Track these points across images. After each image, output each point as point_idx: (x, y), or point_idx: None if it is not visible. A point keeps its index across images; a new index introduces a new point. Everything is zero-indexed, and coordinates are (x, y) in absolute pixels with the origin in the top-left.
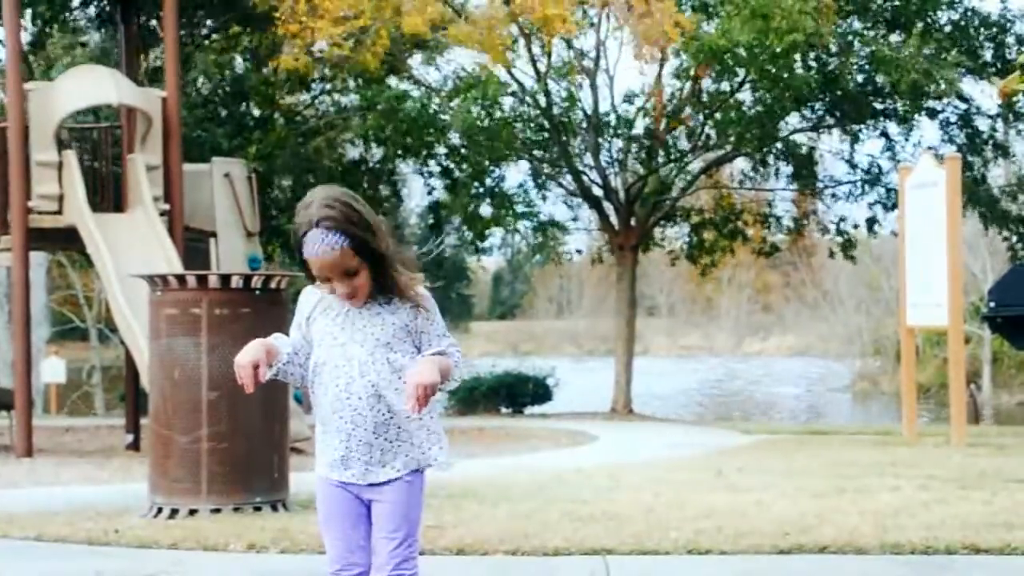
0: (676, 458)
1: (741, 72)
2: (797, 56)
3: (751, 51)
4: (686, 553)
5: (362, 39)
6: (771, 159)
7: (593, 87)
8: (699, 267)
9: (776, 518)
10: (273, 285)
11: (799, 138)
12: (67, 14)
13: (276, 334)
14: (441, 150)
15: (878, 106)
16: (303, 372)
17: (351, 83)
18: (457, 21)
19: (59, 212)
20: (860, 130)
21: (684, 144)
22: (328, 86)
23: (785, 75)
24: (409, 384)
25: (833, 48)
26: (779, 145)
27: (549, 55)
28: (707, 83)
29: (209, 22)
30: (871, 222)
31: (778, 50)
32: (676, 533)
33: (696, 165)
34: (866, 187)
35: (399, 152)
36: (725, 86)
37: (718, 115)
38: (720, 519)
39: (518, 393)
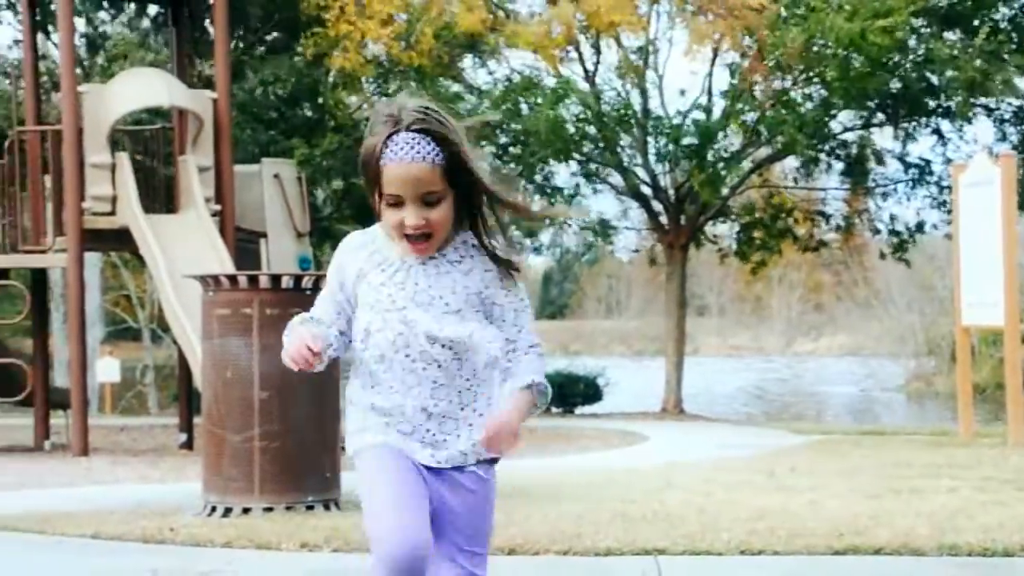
0: (727, 458)
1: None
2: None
3: (844, 50)
4: (739, 554)
5: (409, 39)
6: (823, 157)
7: (642, 86)
8: (750, 264)
9: (830, 519)
10: (323, 285)
11: (851, 136)
12: (121, 18)
13: (303, 316)
14: (490, 149)
15: (932, 104)
16: (347, 344)
17: (403, 84)
18: (507, 24)
19: (112, 213)
20: (913, 128)
21: (735, 143)
22: (379, 88)
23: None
24: (489, 431)
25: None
26: (831, 143)
27: (598, 53)
28: (759, 80)
29: (260, 25)
30: (922, 221)
31: (880, 48)
32: (728, 534)
33: (747, 163)
34: (918, 185)
35: None
36: (777, 84)
37: (770, 113)
38: (773, 520)
39: (568, 393)
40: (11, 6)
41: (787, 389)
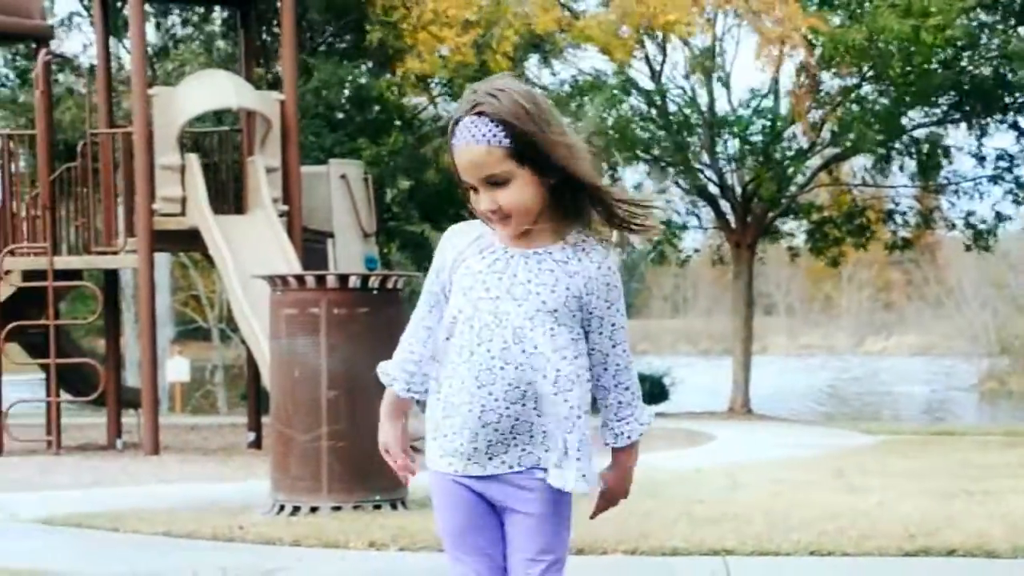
0: (796, 458)
1: (865, 66)
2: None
3: (902, 47)
4: (808, 555)
5: (484, 44)
6: (894, 155)
7: (709, 85)
8: (826, 258)
9: (901, 520)
10: (390, 285)
11: (923, 133)
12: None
13: (387, 374)
14: None
15: (1008, 99)
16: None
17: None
18: (576, 23)
19: (182, 214)
20: (988, 124)
21: (803, 141)
22: (447, 89)
23: (926, 68)
24: (603, 499)
25: (961, 42)
26: (903, 140)
27: (665, 53)
28: (828, 79)
29: (329, 28)
30: (1000, 213)
31: (930, 46)
32: (798, 534)
33: (815, 161)
34: (995, 181)
35: None
36: (846, 82)
37: (839, 111)
38: (842, 520)
39: None
40: (84, 11)
41: (856, 389)
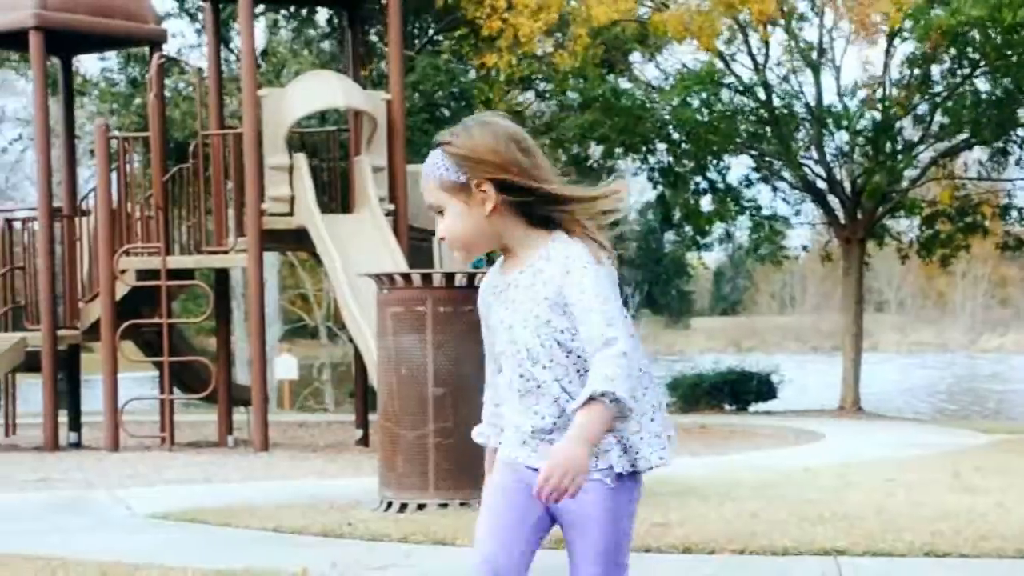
0: (909, 457)
1: (971, 53)
2: None
3: (983, 28)
4: (923, 555)
5: (561, 39)
6: (1012, 147)
7: (816, 78)
8: (935, 259)
9: (1019, 521)
10: None
11: None
12: (297, 22)
13: (479, 435)
14: (661, 145)
15: None
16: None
17: (569, 81)
18: (661, 12)
19: (290, 214)
20: None
21: (913, 134)
22: (546, 85)
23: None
24: (540, 479)
25: None
26: (1021, 132)
27: (767, 46)
28: (937, 69)
29: (432, 26)
30: None
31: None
32: (911, 535)
33: (927, 155)
34: None
35: (618, 148)
36: (957, 71)
37: (950, 102)
38: (958, 521)
39: (741, 390)
40: (191, 15)
41: (972, 387)
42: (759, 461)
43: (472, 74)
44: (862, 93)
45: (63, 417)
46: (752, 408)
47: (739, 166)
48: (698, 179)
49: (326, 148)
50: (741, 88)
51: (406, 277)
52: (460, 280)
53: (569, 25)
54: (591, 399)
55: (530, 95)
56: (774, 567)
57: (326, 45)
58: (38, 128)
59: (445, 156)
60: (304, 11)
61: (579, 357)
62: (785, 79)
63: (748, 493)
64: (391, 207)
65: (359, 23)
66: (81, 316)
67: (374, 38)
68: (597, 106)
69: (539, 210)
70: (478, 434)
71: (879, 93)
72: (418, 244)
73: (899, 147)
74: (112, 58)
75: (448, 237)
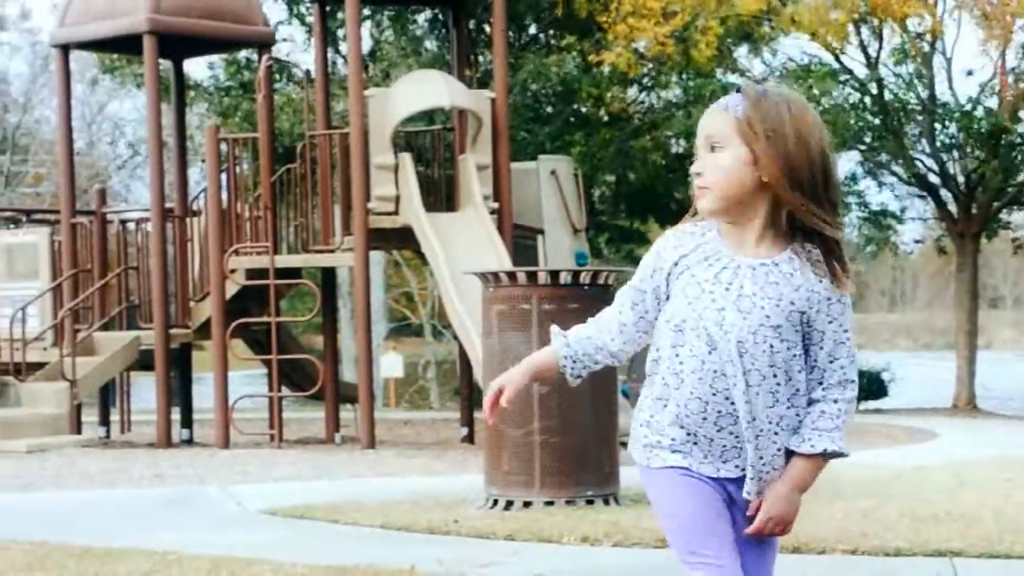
0: None
1: None
2: None
3: None
4: None
5: (686, 36)
6: None
7: (929, 70)
8: None
9: None
10: (601, 280)
11: None
12: (403, 22)
13: (558, 334)
14: None
15: None
16: (611, 360)
17: (674, 78)
18: (784, 9)
19: (395, 213)
20: None
21: None
22: (652, 82)
23: None
24: (761, 517)
25: None
26: None
27: (880, 39)
28: None
29: (536, 25)
30: None
31: None
32: None
33: None
34: None
35: None
36: None
37: None
38: None
39: None
40: (299, 17)
41: None
42: (870, 460)
43: (573, 69)
44: (993, 101)
45: (175, 414)
46: (863, 406)
47: (847, 161)
48: None
49: (431, 147)
50: (857, 84)
51: (511, 275)
52: (565, 278)
53: (695, 21)
54: (823, 453)
55: (632, 91)
56: (886, 568)
57: (430, 44)
58: (150, 131)
59: (743, 98)
60: (408, 11)
61: (774, 376)
62: (899, 73)
63: (859, 492)
64: (495, 205)
65: (464, 22)
66: (192, 315)
67: (481, 36)
68: (704, 104)
69: (799, 224)
70: (558, 334)
71: (995, 84)
72: (522, 242)
73: (1018, 141)
74: (219, 66)
75: (709, 177)
